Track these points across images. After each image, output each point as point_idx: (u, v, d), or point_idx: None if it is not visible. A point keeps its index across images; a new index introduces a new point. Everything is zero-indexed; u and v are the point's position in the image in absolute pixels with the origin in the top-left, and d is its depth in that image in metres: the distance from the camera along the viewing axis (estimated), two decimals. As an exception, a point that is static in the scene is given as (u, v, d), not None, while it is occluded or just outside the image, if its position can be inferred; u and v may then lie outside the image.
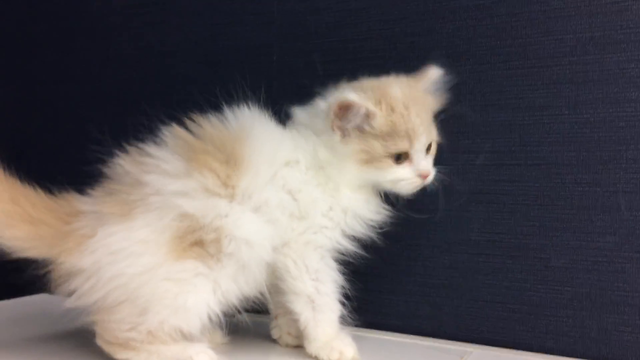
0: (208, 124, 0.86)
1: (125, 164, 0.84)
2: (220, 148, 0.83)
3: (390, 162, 0.86)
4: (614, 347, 0.95)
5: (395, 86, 0.87)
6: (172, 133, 0.86)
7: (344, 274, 0.91)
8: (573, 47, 0.97)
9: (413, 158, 0.87)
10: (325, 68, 1.14)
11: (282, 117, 0.93)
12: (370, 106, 0.83)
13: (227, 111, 0.87)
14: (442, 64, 0.92)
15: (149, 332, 0.79)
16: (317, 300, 0.87)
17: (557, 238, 0.98)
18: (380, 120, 0.84)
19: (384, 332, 1.07)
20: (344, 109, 0.83)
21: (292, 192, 0.87)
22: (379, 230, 0.92)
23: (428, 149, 0.89)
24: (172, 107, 0.90)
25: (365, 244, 0.92)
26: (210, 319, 0.82)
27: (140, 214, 0.79)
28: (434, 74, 0.91)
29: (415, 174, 0.87)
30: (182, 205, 0.79)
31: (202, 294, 0.80)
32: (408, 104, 0.85)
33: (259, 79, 1.16)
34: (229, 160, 0.82)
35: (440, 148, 0.93)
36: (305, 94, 0.94)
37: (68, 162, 1.06)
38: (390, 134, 0.84)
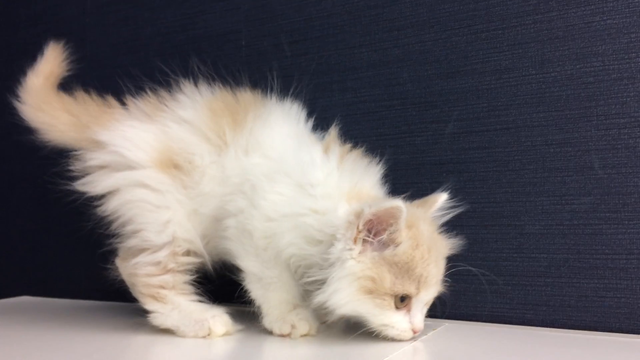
0: (248, 93, 0.94)
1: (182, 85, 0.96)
2: (239, 112, 0.90)
3: (391, 302, 0.75)
4: (596, 314, 0.90)
5: (421, 219, 0.78)
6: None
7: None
8: (536, 4, 0.94)
9: (412, 308, 0.77)
10: (292, 48, 1.13)
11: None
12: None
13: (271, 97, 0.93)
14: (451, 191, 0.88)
15: (161, 263, 0.87)
16: (265, 279, 0.84)
17: (531, 203, 0.94)
18: (405, 247, 0.74)
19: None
20: (382, 218, 0.73)
21: (254, 188, 0.83)
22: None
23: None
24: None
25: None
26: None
27: (155, 121, 0.91)
28: (440, 200, 0.85)
29: (409, 326, 0.77)
30: (176, 131, 0.89)
31: (179, 211, 0.87)
32: (431, 247, 0.77)
33: (230, 64, 1.16)
34: (236, 123, 0.88)
35: (410, 118, 0.87)
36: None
37: (49, 163, 1.05)
38: (405, 270, 0.75)
